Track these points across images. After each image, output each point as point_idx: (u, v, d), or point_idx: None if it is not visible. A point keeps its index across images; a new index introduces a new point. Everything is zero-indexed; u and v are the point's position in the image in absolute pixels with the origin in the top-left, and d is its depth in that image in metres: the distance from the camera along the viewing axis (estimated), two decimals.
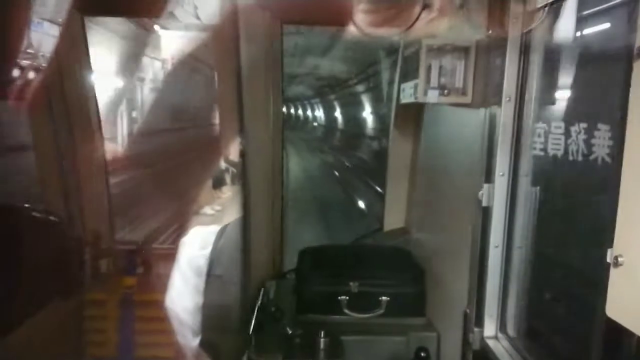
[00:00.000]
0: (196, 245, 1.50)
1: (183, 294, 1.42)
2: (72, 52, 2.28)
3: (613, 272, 0.72)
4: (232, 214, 1.80)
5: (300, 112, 10.50)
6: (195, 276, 1.44)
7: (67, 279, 2.21)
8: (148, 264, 2.44)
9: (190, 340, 1.38)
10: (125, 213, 2.61)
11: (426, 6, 1.08)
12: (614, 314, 0.72)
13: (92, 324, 2.29)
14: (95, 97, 2.42)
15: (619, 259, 0.70)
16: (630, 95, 0.71)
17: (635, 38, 0.73)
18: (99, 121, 2.49)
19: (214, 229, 1.57)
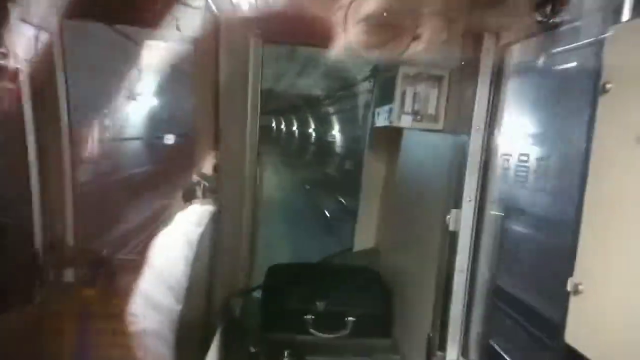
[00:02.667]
0: (192, 221, 1.45)
1: (171, 260, 1.36)
2: (47, 55, 2.24)
3: (572, 299, 0.74)
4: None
5: (274, 125, 10.54)
6: (186, 247, 1.39)
7: (26, 288, 2.12)
8: (110, 275, 2.36)
9: (174, 305, 1.32)
10: (89, 222, 2.54)
11: (417, 37, 1.12)
12: (572, 341, 0.75)
13: (49, 335, 2.20)
14: (66, 102, 2.37)
15: (579, 287, 0.72)
16: (596, 127, 0.75)
17: (601, 75, 0.77)
18: (69, 127, 2.43)
19: (210, 209, 1.52)
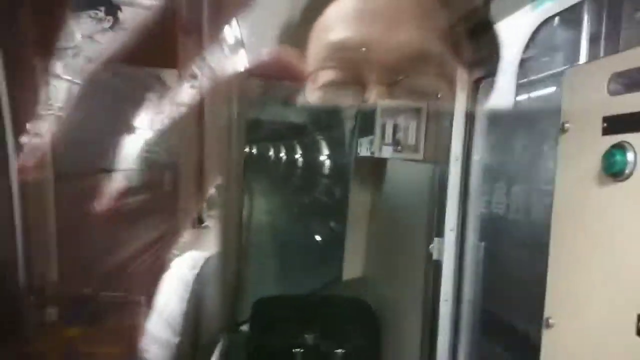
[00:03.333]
0: (187, 265, 1.52)
1: (170, 299, 1.41)
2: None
3: (545, 333, 0.76)
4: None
5: (258, 154, 10.59)
6: (183, 288, 1.44)
7: (7, 326, 2.08)
8: (96, 314, 2.33)
9: (173, 338, 1.35)
10: (77, 258, 2.51)
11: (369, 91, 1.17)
12: None
13: None
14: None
15: (550, 321, 0.74)
16: (557, 166, 0.78)
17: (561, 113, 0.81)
18: (50, 158, 2.43)
19: (205, 254, 1.58)
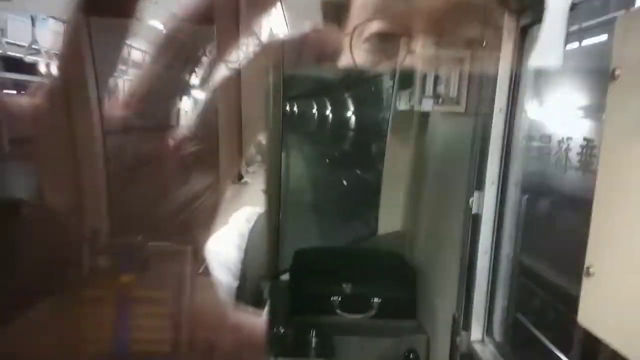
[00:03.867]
0: (243, 218, 1.66)
1: (227, 247, 1.55)
2: (75, 48, 2.32)
3: (585, 281, 0.76)
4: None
5: (296, 112, 10.58)
6: (239, 239, 1.57)
7: (64, 275, 2.26)
8: (147, 262, 2.48)
9: (232, 282, 1.51)
10: (127, 210, 2.66)
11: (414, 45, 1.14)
12: (585, 322, 0.76)
13: (87, 320, 2.33)
14: (96, 83, 2.47)
15: (590, 270, 0.74)
16: (606, 115, 0.76)
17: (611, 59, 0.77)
18: (101, 116, 2.54)
19: (258, 209, 1.71)
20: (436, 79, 1.67)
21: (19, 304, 1.66)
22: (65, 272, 2.25)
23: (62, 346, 2.14)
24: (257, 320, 1.47)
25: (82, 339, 2.24)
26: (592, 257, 0.75)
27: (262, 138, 2.78)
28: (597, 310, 0.74)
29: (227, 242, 1.57)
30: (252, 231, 1.61)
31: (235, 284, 1.53)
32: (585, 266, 0.76)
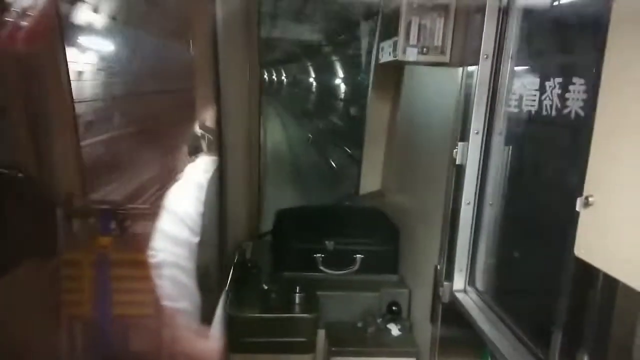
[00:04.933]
0: (200, 168, 1.55)
1: (184, 201, 1.46)
2: (43, 11, 2.18)
3: (583, 212, 0.75)
4: None
5: (274, 77, 10.36)
6: (197, 189, 1.48)
7: (41, 239, 2.18)
8: (123, 224, 2.42)
9: (191, 237, 1.43)
10: (100, 175, 2.57)
11: None
12: (582, 254, 0.76)
13: (67, 283, 2.28)
14: (65, 54, 2.34)
15: (589, 199, 0.73)
16: (608, 38, 0.73)
17: None
18: (69, 80, 2.41)
19: (216, 159, 1.62)
20: (421, 27, 1.62)
21: None
22: (43, 236, 2.13)
23: (42, 309, 2.04)
24: (213, 346, 1.43)
25: (62, 301, 2.13)
26: (592, 186, 0.74)
27: (239, 99, 2.71)
28: (596, 241, 0.74)
29: (185, 196, 1.49)
30: (211, 181, 1.54)
31: (195, 239, 1.45)
32: (584, 196, 0.75)
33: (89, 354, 2.30)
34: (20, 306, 1.90)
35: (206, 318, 1.49)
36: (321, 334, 1.99)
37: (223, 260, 2.12)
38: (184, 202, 1.48)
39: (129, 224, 2.47)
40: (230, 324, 1.68)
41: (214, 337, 1.44)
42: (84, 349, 2.29)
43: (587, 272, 0.95)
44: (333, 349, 1.92)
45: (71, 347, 2.28)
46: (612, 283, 0.92)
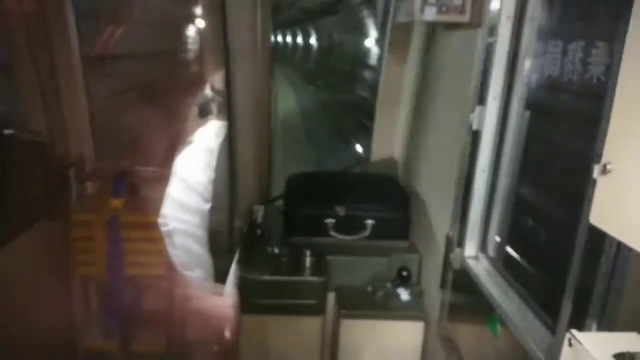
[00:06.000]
0: (211, 132, 1.54)
1: (195, 167, 1.46)
2: None
3: (600, 180, 0.73)
4: None
5: (285, 40, 10.17)
6: (208, 155, 1.48)
7: (52, 200, 2.20)
8: (135, 186, 2.43)
9: (202, 205, 1.43)
10: (111, 137, 2.56)
11: None
12: (598, 222, 0.74)
13: (79, 244, 2.32)
14: (72, 13, 2.29)
15: (608, 167, 0.71)
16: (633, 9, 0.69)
17: None
18: (78, 40, 2.38)
19: (226, 123, 1.60)
20: None
21: (7, 229, 1.59)
22: (54, 197, 2.13)
23: (55, 269, 2.07)
24: (225, 303, 1.43)
25: (75, 262, 2.16)
26: (611, 153, 0.71)
27: (249, 62, 2.66)
28: (612, 209, 0.71)
29: (196, 162, 1.48)
30: (222, 146, 1.52)
31: (207, 206, 1.45)
32: (602, 163, 0.72)
33: (102, 313, 2.36)
34: (33, 267, 1.94)
35: (218, 280, 1.51)
36: (331, 297, 2.02)
37: (234, 224, 2.14)
38: (195, 169, 1.47)
39: (140, 187, 2.49)
40: (242, 286, 1.71)
41: (226, 294, 1.46)
42: (97, 309, 2.35)
43: (600, 240, 0.94)
44: (342, 311, 1.95)
45: (84, 307, 2.34)
46: (625, 252, 0.90)
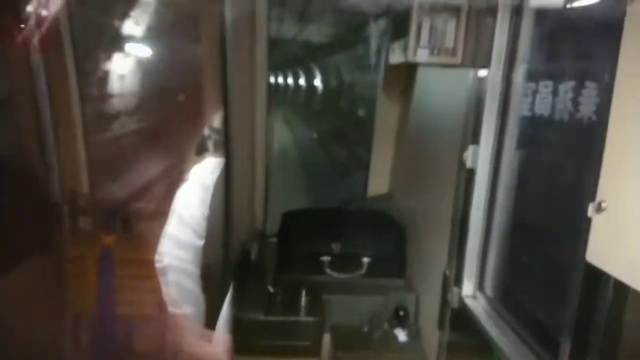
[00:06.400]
0: (207, 168, 1.54)
1: (190, 204, 1.45)
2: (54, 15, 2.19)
3: (595, 218, 0.73)
4: None
5: (281, 79, 10.37)
6: (203, 191, 1.47)
7: (45, 235, 2.18)
8: (128, 223, 2.41)
9: (196, 241, 1.41)
10: (105, 172, 2.57)
11: None
12: (594, 260, 0.74)
13: (71, 280, 2.28)
14: (73, 51, 2.34)
15: (602, 205, 0.71)
16: (622, 42, 0.71)
17: None
18: (78, 77, 2.42)
19: (222, 160, 1.60)
20: (432, 28, 1.60)
21: (1, 264, 1.56)
22: (46, 231, 2.10)
23: (46, 306, 2.02)
24: (217, 350, 1.42)
25: (66, 299, 2.11)
26: (605, 191, 0.71)
27: (246, 100, 2.69)
28: (608, 247, 0.71)
29: (191, 198, 1.48)
30: (217, 182, 1.53)
31: (200, 242, 1.44)
32: (597, 202, 0.73)
33: (92, 351, 2.29)
34: (24, 303, 1.90)
35: (211, 320, 1.48)
36: (326, 337, 1.97)
37: (228, 262, 2.11)
38: (190, 205, 1.47)
39: (133, 223, 2.47)
40: (235, 326, 1.66)
41: (219, 340, 1.43)
42: (87, 346, 2.29)
43: (597, 279, 0.93)
44: (338, 353, 1.89)
45: (75, 344, 2.27)
46: (622, 290, 0.89)
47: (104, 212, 2.49)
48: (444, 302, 1.71)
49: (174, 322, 1.39)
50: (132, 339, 2.31)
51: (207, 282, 1.65)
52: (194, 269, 1.40)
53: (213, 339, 1.41)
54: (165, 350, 1.76)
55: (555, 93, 1.24)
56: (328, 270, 2.08)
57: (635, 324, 0.90)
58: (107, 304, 2.18)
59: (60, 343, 2.25)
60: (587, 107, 1.09)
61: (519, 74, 1.43)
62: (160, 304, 1.80)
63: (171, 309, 1.40)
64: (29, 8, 2.04)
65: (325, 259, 2.07)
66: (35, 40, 2.10)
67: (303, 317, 1.91)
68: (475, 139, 1.54)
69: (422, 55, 1.63)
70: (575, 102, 1.16)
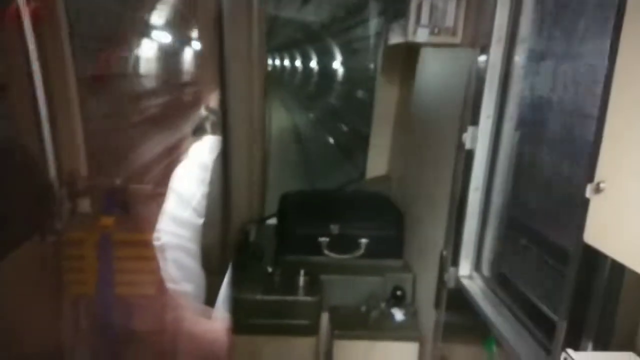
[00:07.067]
0: (205, 148, 1.54)
1: (189, 182, 1.45)
2: None
3: (594, 198, 0.73)
4: None
5: (279, 60, 10.26)
6: (202, 170, 1.47)
7: (43, 218, 2.18)
8: (127, 205, 2.41)
9: (196, 219, 1.42)
10: (103, 154, 2.55)
11: None
12: (592, 240, 0.74)
13: (70, 263, 2.28)
14: (69, 31, 2.31)
15: (601, 185, 0.71)
16: (624, 21, 0.70)
17: None
18: (74, 58, 2.39)
19: (220, 139, 1.59)
20: (432, 7, 1.58)
21: (0, 247, 1.56)
22: (44, 215, 2.11)
23: (45, 288, 2.03)
24: (217, 327, 1.43)
25: (65, 281, 2.12)
26: (604, 171, 0.71)
27: (244, 81, 2.67)
28: (606, 227, 0.72)
29: (190, 177, 1.48)
30: (216, 161, 1.52)
31: (200, 221, 1.45)
32: (595, 182, 0.73)
33: (91, 333, 2.31)
34: (22, 286, 1.91)
35: (210, 299, 1.49)
36: (324, 317, 1.99)
37: (227, 242, 2.12)
38: (189, 183, 1.46)
39: (131, 204, 2.47)
40: (234, 306, 1.68)
41: (218, 317, 1.44)
42: (86, 329, 2.31)
43: (594, 259, 0.94)
44: (336, 332, 1.92)
45: (74, 327, 2.29)
46: (619, 271, 0.90)
47: (102, 195, 2.49)
48: (441, 282, 1.72)
49: (174, 300, 1.39)
50: (132, 320, 2.33)
51: (207, 263, 1.66)
52: (194, 246, 1.40)
53: (212, 316, 1.42)
54: (165, 331, 1.78)
55: (556, 73, 1.23)
56: (326, 251, 2.09)
57: (631, 306, 0.91)
58: (106, 286, 2.19)
59: (58, 326, 2.27)
60: (588, 87, 1.08)
61: (519, 55, 1.41)
62: (160, 285, 1.81)
63: (170, 286, 1.40)
64: None
65: (324, 239, 2.08)
66: (27, 20, 2.06)
67: (301, 297, 1.93)
68: (474, 119, 1.53)
69: (422, 35, 1.61)
70: (576, 83, 1.15)
